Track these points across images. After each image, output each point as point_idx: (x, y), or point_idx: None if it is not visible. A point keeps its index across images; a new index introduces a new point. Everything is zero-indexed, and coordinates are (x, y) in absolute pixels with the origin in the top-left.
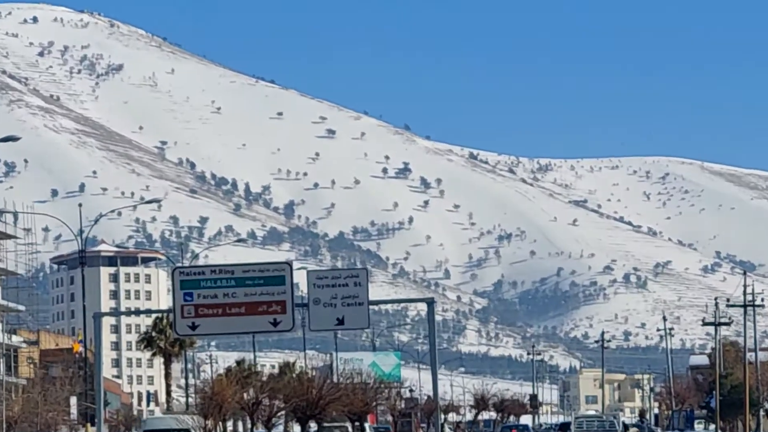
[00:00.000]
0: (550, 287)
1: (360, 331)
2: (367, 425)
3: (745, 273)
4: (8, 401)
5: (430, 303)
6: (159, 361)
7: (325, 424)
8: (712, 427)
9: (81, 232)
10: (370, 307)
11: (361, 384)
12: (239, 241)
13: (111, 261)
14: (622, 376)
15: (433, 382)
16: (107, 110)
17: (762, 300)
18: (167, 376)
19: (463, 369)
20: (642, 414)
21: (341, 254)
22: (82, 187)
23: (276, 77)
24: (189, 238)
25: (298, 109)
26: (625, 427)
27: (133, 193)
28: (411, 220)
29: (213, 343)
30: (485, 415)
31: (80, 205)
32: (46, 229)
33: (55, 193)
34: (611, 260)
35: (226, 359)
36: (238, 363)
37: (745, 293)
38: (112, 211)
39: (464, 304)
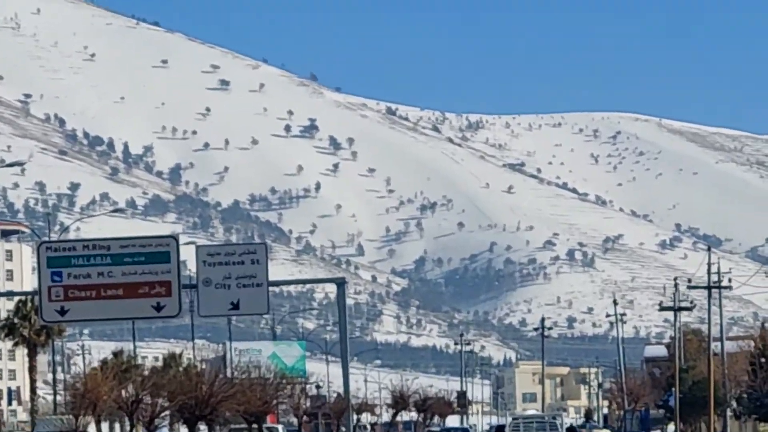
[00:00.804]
0: (481, 265)
1: (258, 318)
2: (280, 427)
3: (709, 249)
4: None
5: (341, 284)
6: (22, 352)
7: (233, 427)
8: (671, 429)
9: None
10: (270, 288)
11: (260, 379)
12: (116, 211)
13: None
14: (565, 370)
15: (344, 377)
16: None
17: (729, 281)
18: (32, 369)
19: (379, 362)
20: (588, 414)
21: (236, 227)
22: None
23: (160, 19)
24: (57, 208)
25: (186, 56)
26: (570, 430)
27: None
28: (318, 186)
29: (86, 331)
30: (405, 416)
31: None
32: None
33: None
34: (553, 234)
35: (101, 350)
36: (116, 354)
37: (709, 272)
38: None
39: (380, 285)
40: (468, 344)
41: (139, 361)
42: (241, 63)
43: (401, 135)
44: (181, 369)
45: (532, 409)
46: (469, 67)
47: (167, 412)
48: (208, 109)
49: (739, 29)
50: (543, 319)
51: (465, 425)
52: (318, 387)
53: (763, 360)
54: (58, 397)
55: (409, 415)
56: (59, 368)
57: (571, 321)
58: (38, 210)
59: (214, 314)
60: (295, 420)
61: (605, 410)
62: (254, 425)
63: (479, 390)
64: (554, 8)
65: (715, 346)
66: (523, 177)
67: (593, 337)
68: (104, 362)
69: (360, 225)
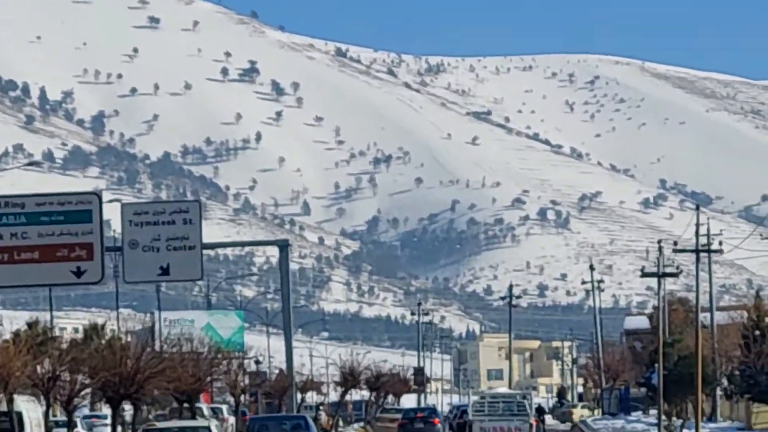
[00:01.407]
0: (441, 226)
1: (191, 285)
2: (224, 408)
3: (698, 207)
4: None
5: (284, 247)
6: None
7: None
8: (654, 411)
9: None
10: (205, 252)
11: (192, 353)
12: (32, 164)
13: None
14: (535, 344)
15: (286, 351)
16: None
17: (720, 243)
18: None
19: (326, 334)
20: (561, 393)
21: (166, 182)
22: None
23: None
24: None
25: None
26: (540, 410)
27: None
28: (259, 137)
29: None
30: (355, 395)
31: None
32: None
33: None
34: (522, 191)
35: (15, 321)
36: (30, 325)
37: (697, 234)
38: None
39: (329, 248)
40: (426, 314)
41: (57, 332)
42: None
43: (352, 79)
44: (103, 342)
45: (502, 387)
46: (428, 3)
47: (88, 390)
48: (135, 50)
49: None
50: (511, 287)
51: (431, 405)
52: (257, 362)
53: (757, 333)
54: None
55: (360, 394)
56: None
57: (542, 289)
58: None
59: (141, 280)
60: (231, 399)
61: (580, 388)
62: (184, 404)
63: (439, 366)
64: None
65: (703, 317)
66: (489, 127)
67: (567, 306)
68: (17, 334)
69: (306, 180)
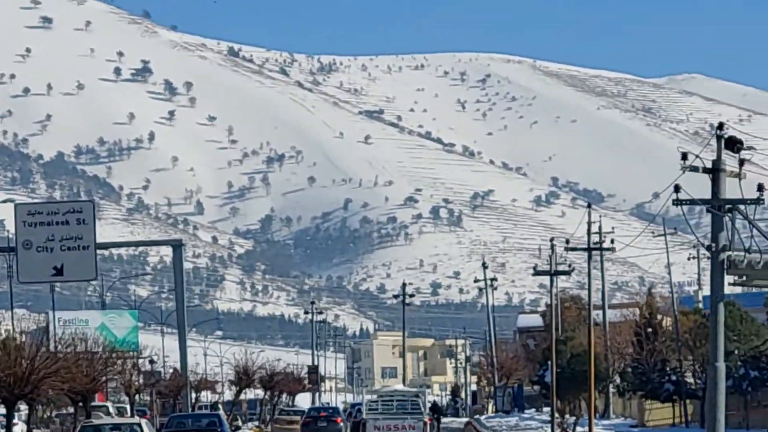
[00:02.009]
0: (334, 225)
1: (85, 284)
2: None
3: (589, 205)
4: None
5: (177, 246)
6: None
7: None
8: (548, 408)
9: None
10: (99, 251)
11: (86, 353)
12: None
13: None
14: (429, 342)
15: (180, 350)
16: None
17: (612, 241)
18: None
19: (220, 333)
20: (455, 391)
21: (60, 182)
22: None
23: None
24: None
25: None
26: (435, 408)
27: None
28: (152, 136)
29: None
30: (250, 394)
31: None
32: None
33: None
34: (415, 189)
35: None
36: None
37: (589, 232)
38: None
39: (222, 247)
40: (320, 313)
41: None
42: None
43: (245, 79)
44: None
45: (398, 385)
46: (320, 3)
47: None
48: (27, 50)
49: None
50: (404, 285)
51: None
52: (152, 362)
53: (649, 330)
54: None
55: (255, 393)
56: None
57: (435, 287)
58: None
59: (35, 280)
60: (126, 398)
61: (474, 386)
62: (79, 404)
63: (333, 364)
64: None
65: (596, 314)
66: (381, 125)
67: (460, 304)
68: None
69: (199, 180)
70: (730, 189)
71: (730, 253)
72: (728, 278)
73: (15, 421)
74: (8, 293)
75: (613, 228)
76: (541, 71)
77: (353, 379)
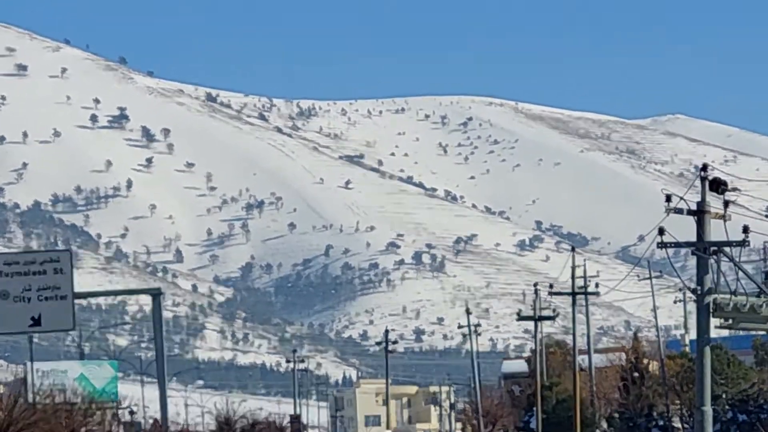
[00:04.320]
0: (315, 272)
1: (63, 335)
2: None
3: (573, 249)
4: None
5: (156, 295)
6: None
7: None
8: None
9: None
10: (77, 301)
11: (65, 404)
12: None
13: None
14: (413, 389)
15: (161, 400)
16: None
17: (596, 285)
18: None
19: (201, 382)
20: None
21: (37, 231)
22: None
23: None
24: None
25: None
26: None
27: None
28: (130, 184)
29: None
30: None
31: None
32: None
33: None
34: (397, 235)
35: None
36: None
37: (573, 276)
38: None
39: (202, 295)
40: (302, 361)
41: None
42: (39, 45)
43: (223, 125)
44: None
45: None
46: (299, 48)
47: None
48: (3, 98)
49: (603, 3)
50: (387, 332)
51: None
52: (132, 412)
53: (636, 375)
54: None
55: None
56: None
57: (418, 333)
58: None
59: (12, 331)
60: None
61: None
62: None
63: (315, 413)
64: None
65: (581, 359)
66: (362, 171)
67: (444, 351)
68: None
69: (178, 228)
70: (715, 231)
71: (716, 296)
72: (715, 321)
73: None
74: None
75: (597, 272)
76: (524, 114)
77: (336, 428)
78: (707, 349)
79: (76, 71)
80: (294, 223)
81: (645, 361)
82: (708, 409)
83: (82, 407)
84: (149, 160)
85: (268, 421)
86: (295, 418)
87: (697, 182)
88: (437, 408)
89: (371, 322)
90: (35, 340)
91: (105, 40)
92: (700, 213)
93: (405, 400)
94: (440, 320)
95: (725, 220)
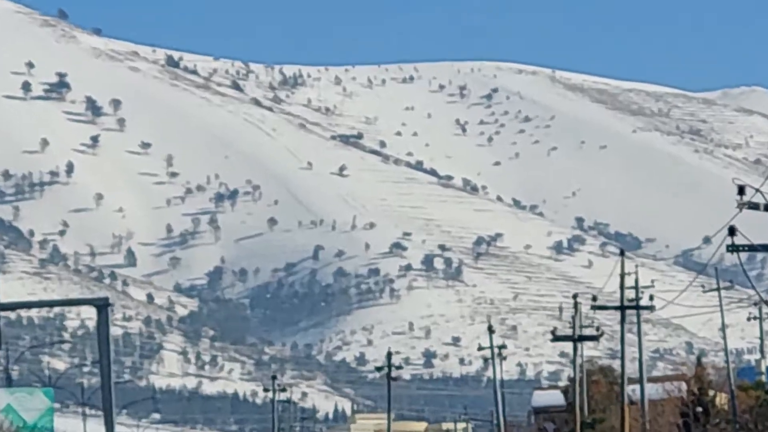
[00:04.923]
0: (301, 279)
1: None
2: None
3: (622, 253)
4: None
5: (103, 307)
6: None
7: None
8: None
9: None
10: (3, 314)
11: None
12: None
13: None
14: (421, 426)
15: None
16: None
17: (651, 298)
18: None
19: (158, 416)
20: None
21: None
22: None
23: None
24: None
25: None
26: None
27: None
28: (70, 168)
29: None
30: None
31: None
32: None
33: None
34: (403, 234)
35: None
36: None
37: (622, 287)
38: None
39: (160, 308)
40: (283, 390)
41: None
42: None
43: (187, 95)
44: None
45: None
46: (284, 1)
47: None
48: None
49: None
50: (389, 355)
51: None
52: None
53: (699, 410)
54: None
55: None
56: None
57: (429, 357)
58: None
59: None
60: None
61: None
62: None
63: None
64: None
65: (631, 390)
66: (360, 154)
67: (461, 379)
68: None
69: (130, 223)
70: None
71: None
72: None
73: None
74: None
75: (652, 281)
76: (562, 84)
77: None
78: None
79: (5, 28)
80: (275, 218)
81: (711, 392)
82: None
83: None
84: (95, 139)
85: None
86: None
87: None
88: None
89: (370, 342)
90: None
91: None
92: None
93: None
94: (456, 340)
95: None
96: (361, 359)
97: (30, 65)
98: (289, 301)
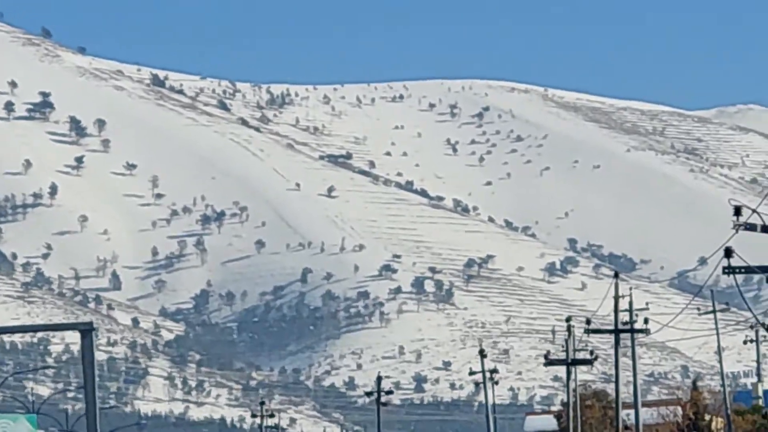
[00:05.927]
0: (289, 303)
1: None
2: None
3: (617, 275)
4: None
5: (87, 331)
6: None
7: None
8: None
9: None
10: None
11: None
12: None
13: None
14: None
15: None
16: None
17: (646, 321)
18: None
19: None
20: None
21: None
22: None
23: None
24: None
25: None
26: None
27: None
28: (54, 190)
29: None
30: None
31: None
32: None
33: None
34: (393, 256)
35: None
36: None
37: (617, 310)
38: None
39: (145, 332)
40: (271, 416)
41: None
42: None
43: (174, 115)
44: None
45: None
46: (269, 20)
47: None
48: None
49: None
50: (379, 379)
51: None
52: None
53: None
54: None
55: None
56: None
57: (419, 381)
58: None
59: None
60: None
61: None
62: None
63: None
64: None
65: (626, 414)
66: (349, 174)
67: (452, 404)
68: None
69: (115, 246)
70: None
71: None
72: None
73: None
74: None
75: (647, 304)
76: (554, 102)
77: None
78: None
79: None
80: (262, 240)
81: (707, 417)
82: None
83: None
84: (79, 160)
85: None
86: None
87: None
88: None
89: (359, 366)
90: None
91: (24, 8)
92: None
93: None
94: (447, 365)
95: None
96: (351, 384)
97: (13, 84)
98: (277, 325)
